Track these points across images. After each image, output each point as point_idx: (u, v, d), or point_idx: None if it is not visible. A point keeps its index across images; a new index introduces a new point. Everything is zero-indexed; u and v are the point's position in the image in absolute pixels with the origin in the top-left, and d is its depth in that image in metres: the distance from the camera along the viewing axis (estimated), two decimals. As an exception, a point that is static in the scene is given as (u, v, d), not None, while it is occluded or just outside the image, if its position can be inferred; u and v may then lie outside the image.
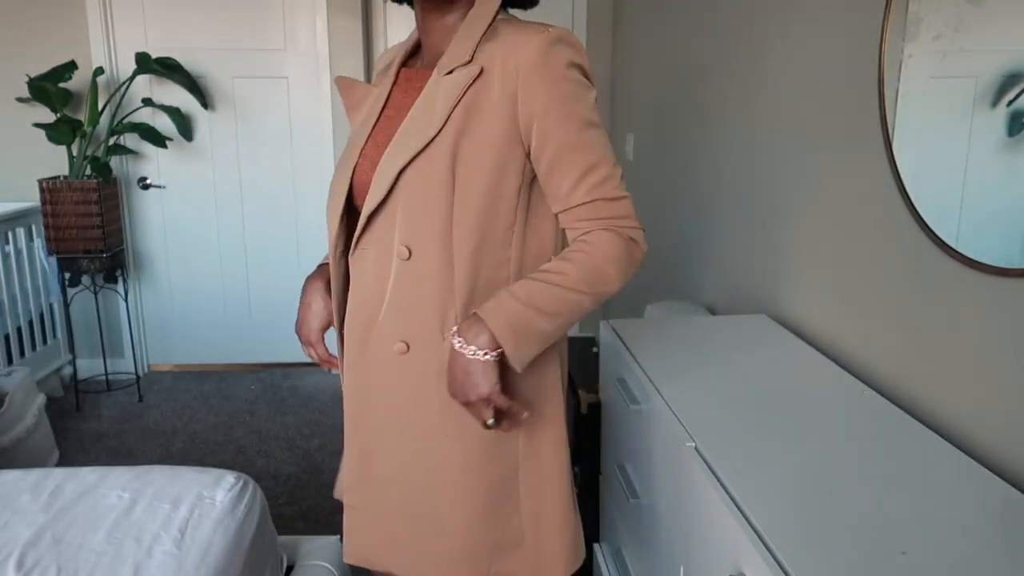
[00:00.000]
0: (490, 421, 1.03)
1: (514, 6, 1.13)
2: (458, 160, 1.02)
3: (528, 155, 1.05)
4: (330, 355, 1.23)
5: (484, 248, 1.06)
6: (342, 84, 1.19)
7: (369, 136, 1.12)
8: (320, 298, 1.20)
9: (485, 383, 1.00)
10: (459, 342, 1.01)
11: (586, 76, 1.06)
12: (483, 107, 1.02)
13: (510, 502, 1.13)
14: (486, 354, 0.99)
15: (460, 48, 1.04)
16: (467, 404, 1.02)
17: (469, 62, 1.03)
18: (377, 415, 1.14)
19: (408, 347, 1.07)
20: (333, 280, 1.17)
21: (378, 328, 1.10)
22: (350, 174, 1.11)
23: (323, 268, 1.24)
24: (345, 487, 1.22)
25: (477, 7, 1.07)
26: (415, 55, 1.19)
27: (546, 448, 1.14)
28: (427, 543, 1.13)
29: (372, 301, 1.10)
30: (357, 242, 1.10)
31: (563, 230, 1.11)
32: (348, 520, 1.21)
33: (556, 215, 1.09)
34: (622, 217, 1.06)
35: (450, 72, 1.03)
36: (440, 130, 1.01)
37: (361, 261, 1.11)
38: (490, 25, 1.05)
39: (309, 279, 1.23)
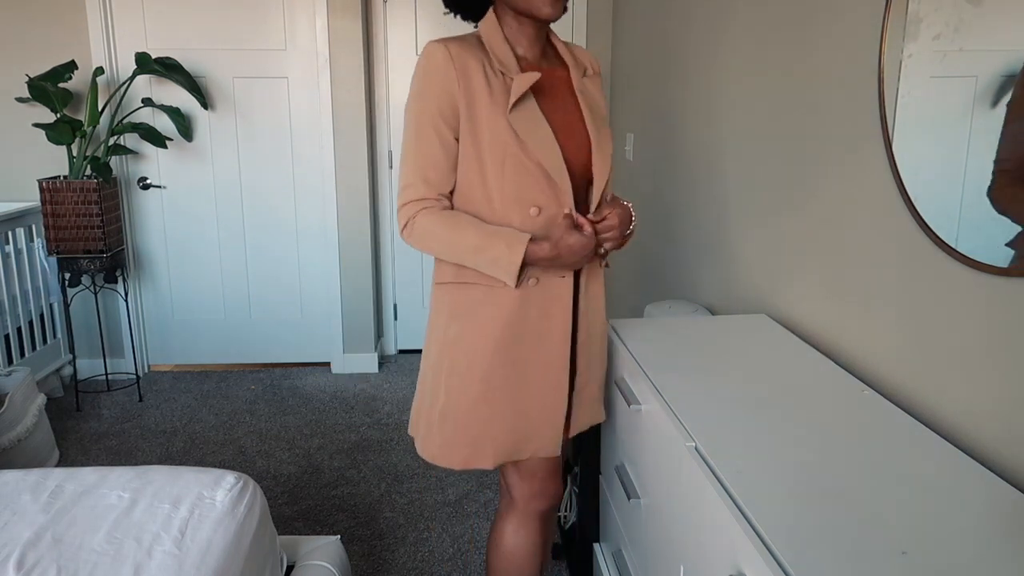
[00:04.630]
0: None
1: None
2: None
3: None
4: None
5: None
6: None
7: (550, 123, 1.43)
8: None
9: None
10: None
11: None
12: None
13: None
14: None
15: (570, 57, 1.49)
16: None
17: (587, 68, 1.51)
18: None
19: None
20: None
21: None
22: (560, 152, 1.41)
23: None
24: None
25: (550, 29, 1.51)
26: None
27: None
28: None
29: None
30: (599, 203, 1.46)
31: None
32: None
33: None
34: None
35: (584, 75, 1.50)
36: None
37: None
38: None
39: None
